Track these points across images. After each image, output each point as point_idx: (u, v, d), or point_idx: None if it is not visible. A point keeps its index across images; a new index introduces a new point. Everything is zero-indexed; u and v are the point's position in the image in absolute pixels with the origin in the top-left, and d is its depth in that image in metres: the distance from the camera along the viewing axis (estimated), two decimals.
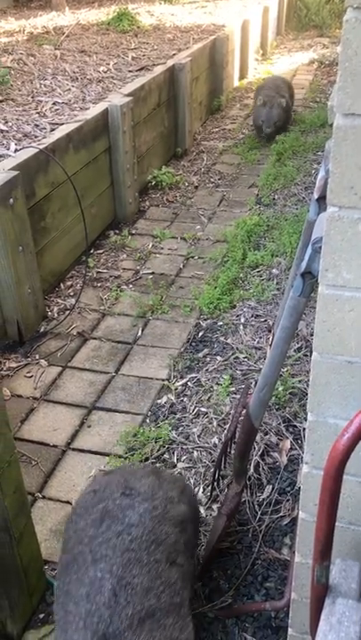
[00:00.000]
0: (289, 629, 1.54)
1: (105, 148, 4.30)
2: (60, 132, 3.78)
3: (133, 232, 4.54)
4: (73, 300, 3.71)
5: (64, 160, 3.66)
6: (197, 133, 6.50)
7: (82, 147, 3.95)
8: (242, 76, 8.40)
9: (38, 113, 4.21)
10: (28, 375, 3.16)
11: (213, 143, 6.29)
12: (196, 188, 5.28)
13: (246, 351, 3.11)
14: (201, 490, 2.42)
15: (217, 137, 6.49)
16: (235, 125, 6.79)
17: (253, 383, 2.80)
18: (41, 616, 2.02)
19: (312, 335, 3.10)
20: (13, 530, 1.80)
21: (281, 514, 2.27)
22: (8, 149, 3.54)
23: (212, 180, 5.44)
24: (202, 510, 2.34)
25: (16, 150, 3.52)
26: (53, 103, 4.43)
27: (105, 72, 5.36)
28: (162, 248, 4.30)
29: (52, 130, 3.87)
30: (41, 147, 3.46)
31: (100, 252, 4.27)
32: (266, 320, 3.32)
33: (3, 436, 1.67)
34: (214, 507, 2.34)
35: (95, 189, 4.22)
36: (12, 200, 3.04)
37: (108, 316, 3.61)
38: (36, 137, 3.76)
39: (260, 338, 3.19)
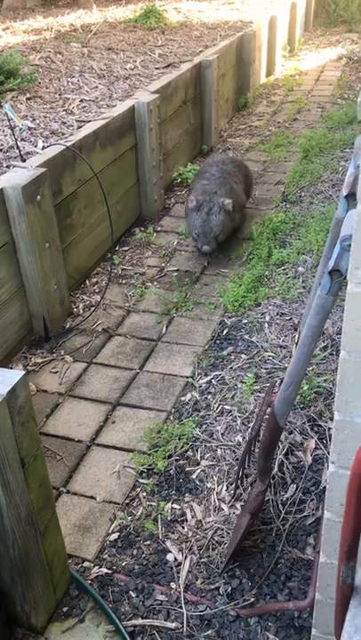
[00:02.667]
0: (313, 630, 1.53)
1: (131, 145, 4.31)
2: (87, 129, 3.80)
3: (159, 229, 4.54)
4: (98, 297, 3.73)
5: (91, 157, 3.67)
6: (223, 130, 6.47)
7: (108, 144, 3.96)
8: (269, 73, 8.35)
9: (65, 110, 4.23)
10: (54, 371, 3.18)
11: (239, 140, 6.26)
12: None
13: (271, 349, 3.09)
14: (224, 488, 2.42)
15: (243, 134, 6.46)
16: (261, 122, 6.74)
17: (278, 382, 2.78)
18: (65, 609, 2.04)
19: (338, 334, 3.07)
20: (38, 523, 1.82)
21: (305, 513, 2.25)
22: (35, 146, 3.57)
23: None
24: (225, 509, 2.34)
25: (43, 147, 3.55)
26: (80, 100, 4.45)
27: (132, 69, 5.37)
28: (187, 245, 4.30)
29: (79, 127, 3.89)
30: (68, 144, 3.48)
31: (126, 249, 4.28)
32: (291, 318, 3.30)
33: (28, 431, 1.69)
34: (238, 505, 2.33)
35: (121, 187, 4.23)
36: (39, 197, 3.06)
37: (132, 312, 3.62)
38: (63, 134, 3.78)
39: (286, 336, 3.17)
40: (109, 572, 2.15)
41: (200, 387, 2.97)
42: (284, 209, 4.62)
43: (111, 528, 2.32)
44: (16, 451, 1.65)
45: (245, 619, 1.97)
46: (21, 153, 3.35)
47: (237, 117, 6.96)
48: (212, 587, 2.07)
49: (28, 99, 4.37)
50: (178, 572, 2.13)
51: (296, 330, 3.16)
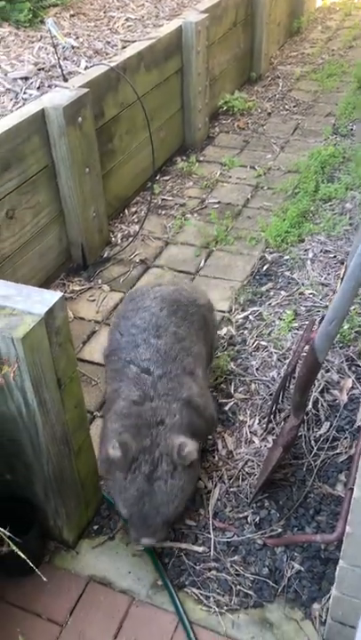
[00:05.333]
0: (340, 561, 1.53)
1: (177, 68, 4.12)
2: (132, 49, 3.63)
3: (201, 159, 4.40)
4: (137, 227, 3.67)
5: (135, 80, 3.53)
6: (274, 57, 6.14)
7: (153, 66, 3.80)
8: None
9: (110, 29, 4.05)
10: (91, 299, 3.18)
11: (290, 68, 5.94)
12: (270, 115, 5.04)
13: (312, 287, 3.01)
14: (257, 421, 2.41)
15: (294, 61, 6.12)
16: (314, 49, 6.37)
17: (318, 320, 2.72)
18: (95, 527, 2.10)
19: None
20: (73, 443, 1.85)
21: (337, 451, 2.24)
22: (78, 66, 3.44)
23: (286, 107, 5.17)
24: (256, 441, 2.34)
25: (86, 67, 3.42)
26: (126, 19, 4.24)
27: None
28: (230, 177, 4.16)
29: (124, 47, 3.72)
30: (112, 64, 3.34)
31: (166, 178, 4.17)
32: (335, 256, 3.19)
33: (65, 352, 1.69)
34: (270, 438, 2.33)
35: (165, 112, 4.08)
36: (80, 119, 2.97)
37: (171, 244, 3.56)
38: (107, 54, 3.63)
39: (328, 274, 3.08)
40: None
41: (237, 322, 2.93)
42: (333, 142, 4.41)
43: None
44: (53, 371, 1.65)
45: (272, 548, 1.99)
46: (64, 72, 3.23)
47: (289, 44, 6.59)
48: (241, 515, 2.10)
49: (71, 15, 4.19)
50: (207, 500, 2.16)
51: (343, 264, 3.06)
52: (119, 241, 3.58)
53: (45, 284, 3.13)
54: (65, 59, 3.50)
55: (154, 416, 1.91)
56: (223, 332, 2.88)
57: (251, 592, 1.89)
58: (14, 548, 1.47)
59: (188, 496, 1.93)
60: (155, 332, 2.13)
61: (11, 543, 1.47)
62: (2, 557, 1.54)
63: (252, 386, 2.57)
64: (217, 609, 1.86)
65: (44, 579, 1.72)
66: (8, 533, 1.48)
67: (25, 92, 3.11)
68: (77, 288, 3.25)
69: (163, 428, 1.89)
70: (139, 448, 1.84)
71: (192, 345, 2.20)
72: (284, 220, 3.50)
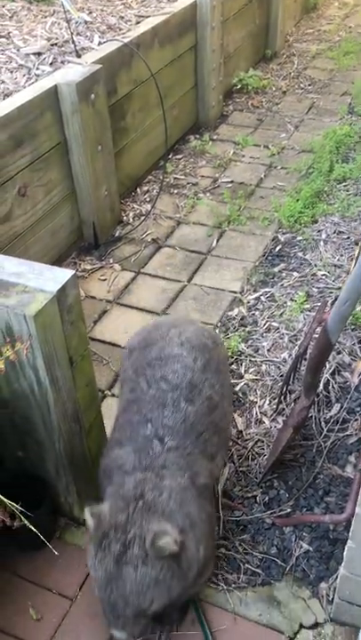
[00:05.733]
0: (349, 542, 1.54)
1: (191, 45, 4.06)
2: (146, 25, 3.58)
3: (215, 137, 4.35)
4: (149, 206, 3.65)
5: (148, 56, 3.48)
6: (289, 34, 6.03)
7: (167, 42, 3.74)
8: None
9: (124, 4, 3.99)
10: (102, 278, 3.18)
11: (306, 45, 5.84)
12: (284, 93, 4.96)
13: (325, 268, 2.98)
14: (267, 402, 2.41)
15: (310, 39, 6.01)
16: (331, 27, 6.25)
17: (331, 301, 2.70)
18: None
19: None
20: (84, 421, 1.86)
21: (347, 432, 2.23)
22: (91, 42, 3.39)
23: (301, 85, 5.09)
24: (266, 422, 2.34)
25: (99, 43, 3.37)
26: None
27: None
28: (243, 156, 4.12)
29: (138, 22, 3.67)
30: (125, 40, 3.29)
31: (179, 157, 4.14)
32: (349, 237, 3.16)
33: (77, 330, 1.69)
34: (279, 419, 2.33)
35: (178, 90, 4.03)
36: (93, 96, 2.94)
37: (183, 224, 3.54)
38: (120, 29, 3.58)
39: (342, 255, 3.05)
40: None
41: (248, 302, 2.92)
42: (349, 121, 4.34)
43: None
44: (65, 349, 1.65)
45: (280, 527, 2.01)
46: (77, 48, 3.19)
47: (305, 20, 6.47)
48: (250, 495, 2.11)
49: None
50: (217, 479, 2.17)
51: (357, 244, 3.03)
52: (131, 220, 3.57)
53: (57, 262, 3.13)
54: (78, 34, 3.46)
55: (137, 488, 1.56)
56: (234, 312, 2.87)
57: (259, 570, 1.91)
58: (26, 522, 1.49)
59: (174, 593, 1.50)
60: (188, 393, 1.77)
61: (23, 518, 1.48)
62: (14, 532, 1.56)
63: (263, 367, 2.56)
64: (225, 586, 1.88)
65: (56, 553, 1.74)
66: (20, 508, 1.50)
67: (38, 68, 3.08)
68: (89, 267, 3.24)
69: (143, 505, 1.52)
70: (112, 523, 1.49)
71: (223, 418, 1.86)
72: (298, 200, 3.47)
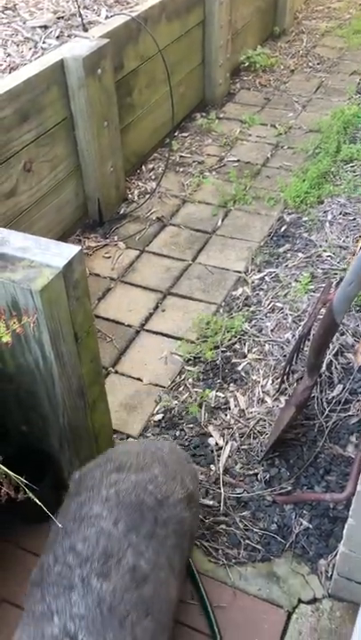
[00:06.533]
0: (349, 519, 1.56)
1: (199, 20, 4.00)
2: None
3: (221, 116, 4.31)
4: (154, 184, 3.63)
5: (156, 31, 3.43)
6: (299, 11, 5.93)
7: (175, 17, 3.68)
8: None
9: None
10: (107, 256, 3.17)
11: (315, 23, 5.74)
12: (292, 72, 4.90)
13: (330, 249, 2.97)
14: (270, 382, 2.42)
15: (320, 16, 5.92)
16: (341, 4, 6.14)
17: (335, 282, 2.69)
18: None
19: None
20: (88, 396, 1.87)
21: (349, 413, 2.25)
22: (98, 15, 3.34)
23: (310, 64, 5.02)
24: (269, 401, 2.35)
25: (107, 17, 3.32)
26: None
27: None
28: (250, 135, 4.08)
29: None
30: (133, 14, 3.24)
31: (185, 135, 4.10)
32: (355, 219, 3.14)
33: (83, 306, 1.69)
34: (282, 399, 2.34)
35: (185, 66, 3.98)
36: (100, 70, 2.90)
37: (188, 202, 3.52)
38: (127, 3, 3.52)
39: (347, 237, 3.04)
40: None
41: (252, 282, 2.92)
42: (357, 101, 4.29)
43: (156, 409, 2.38)
44: (70, 325, 1.66)
45: (281, 505, 2.03)
46: (84, 22, 3.14)
47: None
48: (251, 472, 2.13)
49: None
50: (218, 456, 2.19)
51: None
52: (136, 198, 3.55)
53: (61, 239, 3.12)
54: (85, 7, 3.40)
55: None
56: (238, 292, 2.87)
57: (259, 546, 1.93)
58: (31, 495, 1.51)
59: None
60: (101, 565, 1.35)
61: (27, 491, 1.50)
62: (17, 505, 1.57)
63: (266, 347, 2.57)
64: (225, 561, 1.91)
65: (60, 525, 1.76)
66: (25, 481, 1.52)
67: (44, 42, 3.05)
68: (93, 244, 3.23)
69: None
70: None
71: (158, 591, 1.40)
72: (304, 180, 3.44)
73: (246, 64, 4.81)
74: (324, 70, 4.90)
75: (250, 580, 1.86)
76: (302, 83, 4.73)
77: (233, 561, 1.91)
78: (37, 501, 1.51)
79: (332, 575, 1.81)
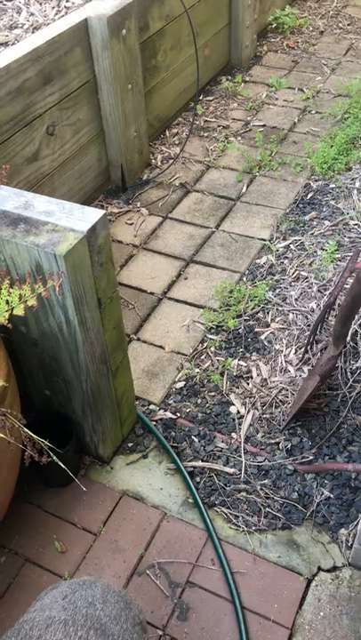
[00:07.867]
0: None
1: None
2: None
3: (247, 79, 4.19)
4: (178, 149, 3.56)
5: None
6: None
7: None
8: None
9: None
10: (129, 222, 3.14)
11: None
12: (322, 33, 4.73)
13: (358, 218, 2.90)
14: (293, 351, 2.40)
15: None
16: None
17: None
18: (130, 445, 2.16)
19: None
20: (111, 363, 1.87)
21: None
22: None
23: (340, 25, 4.84)
24: (291, 371, 2.33)
25: None
26: None
27: None
28: (276, 99, 3.97)
29: None
30: None
31: (210, 98, 4.00)
32: None
33: (106, 272, 1.68)
34: (305, 368, 2.32)
35: (211, 27, 3.86)
36: (124, 31, 2.83)
37: (212, 168, 3.45)
38: None
39: None
40: (173, 416, 2.23)
41: (277, 251, 2.87)
42: None
43: (178, 377, 2.37)
44: (94, 290, 1.65)
45: (302, 474, 2.02)
46: None
47: None
48: (273, 441, 2.13)
49: None
50: (240, 425, 2.18)
51: None
52: (159, 163, 3.49)
53: (84, 204, 3.09)
54: None
55: None
56: (263, 260, 2.83)
57: (279, 515, 1.94)
58: (55, 458, 1.52)
59: None
60: None
61: (51, 454, 1.51)
62: (41, 468, 1.59)
63: (290, 316, 2.54)
64: (246, 528, 1.92)
65: (84, 488, 1.78)
66: (50, 444, 1.53)
67: (68, 0, 2.97)
68: (116, 211, 3.20)
69: None
70: None
71: None
72: (332, 146, 3.35)
73: (274, 25, 4.66)
74: (355, 32, 4.73)
75: (270, 547, 1.87)
76: (332, 45, 4.58)
77: (253, 528, 1.92)
78: (62, 464, 1.52)
79: (352, 544, 1.81)
